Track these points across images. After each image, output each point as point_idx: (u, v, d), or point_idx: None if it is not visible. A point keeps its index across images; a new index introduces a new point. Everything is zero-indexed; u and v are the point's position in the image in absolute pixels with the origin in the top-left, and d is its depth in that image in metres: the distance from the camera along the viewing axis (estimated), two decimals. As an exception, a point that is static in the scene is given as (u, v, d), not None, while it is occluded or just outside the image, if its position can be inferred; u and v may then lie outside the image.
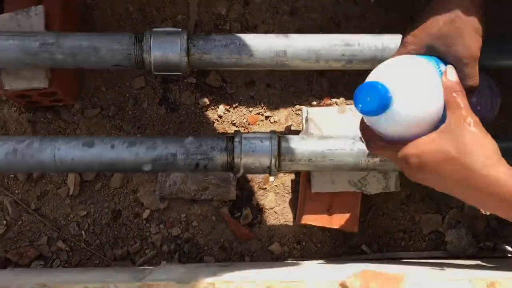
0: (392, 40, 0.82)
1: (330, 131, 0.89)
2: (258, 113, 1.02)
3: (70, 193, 0.99)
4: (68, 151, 0.78)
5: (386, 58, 0.75)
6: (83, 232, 0.99)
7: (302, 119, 0.94)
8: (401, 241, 0.99)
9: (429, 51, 0.66)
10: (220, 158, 0.80)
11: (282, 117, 1.02)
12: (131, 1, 1.04)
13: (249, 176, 1.00)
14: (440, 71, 0.64)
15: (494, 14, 0.95)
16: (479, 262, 0.86)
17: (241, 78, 1.03)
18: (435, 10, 0.66)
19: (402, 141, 0.63)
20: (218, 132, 1.02)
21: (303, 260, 0.97)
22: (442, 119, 0.62)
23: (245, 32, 0.98)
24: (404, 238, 0.99)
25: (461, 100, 0.60)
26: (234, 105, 1.02)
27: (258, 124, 1.02)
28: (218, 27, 1.04)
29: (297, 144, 0.81)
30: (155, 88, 1.02)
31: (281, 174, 1.00)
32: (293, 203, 1.00)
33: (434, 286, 0.58)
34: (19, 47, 0.80)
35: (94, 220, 0.99)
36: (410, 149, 0.61)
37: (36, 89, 0.88)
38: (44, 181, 0.99)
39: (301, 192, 0.95)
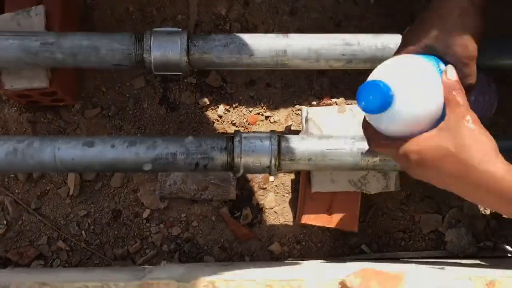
0: (392, 40, 0.82)
1: (330, 130, 0.90)
2: (258, 113, 1.02)
3: (70, 193, 0.99)
4: (68, 151, 0.78)
5: (386, 58, 0.77)
6: (83, 232, 0.99)
7: (302, 119, 0.94)
8: (401, 241, 0.99)
9: (429, 50, 0.67)
10: (220, 157, 0.80)
11: (282, 117, 1.02)
12: (131, 1, 1.04)
13: (249, 176, 1.01)
14: (440, 70, 0.65)
15: (494, 14, 0.96)
16: (479, 262, 0.86)
17: (241, 78, 1.03)
18: (435, 10, 0.67)
19: (403, 139, 0.64)
20: (218, 132, 1.02)
21: (303, 260, 0.97)
22: (442, 117, 0.63)
23: (245, 32, 0.98)
24: (404, 238, 1.00)
25: (461, 98, 0.62)
26: (234, 105, 1.02)
27: (258, 124, 1.02)
28: (218, 27, 1.04)
29: (297, 143, 0.81)
30: (155, 88, 1.02)
31: (281, 174, 1.01)
32: (293, 203, 1.00)
33: (434, 285, 0.58)
34: (19, 47, 0.80)
35: (94, 220, 0.99)
36: (410, 146, 0.63)
37: (37, 88, 0.88)
38: (44, 181, 1.00)
39: (301, 191, 0.95)
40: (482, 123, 0.61)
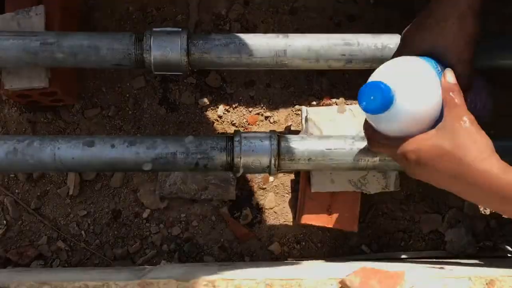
0: (392, 40, 0.82)
1: (329, 130, 0.90)
2: (258, 113, 1.02)
3: (70, 193, 0.99)
4: (68, 150, 0.78)
5: (386, 58, 0.78)
6: (83, 232, 0.99)
7: (301, 119, 0.94)
8: (400, 241, 0.99)
9: (427, 53, 0.69)
10: (220, 157, 0.80)
11: (281, 117, 1.03)
12: (131, 1, 1.04)
13: (249, 176, 1.01)
14: (438, 71, 0.66)
15: (495, 11, 0.96)
16: (478, 262, 0.86)
17: (241, 78, 1.03)
18: (433, 12, 0.69)
19: (401, 138, 0.66)
20: (218, 132, 1.02)
21: (302, 260, 0.97)
22: (440, 118, 0.65)
23: (245, 32, 0.98)
24: (403, 238, 1.00)
25: (458, 100, 0.63)
26: (233, 105, 1.02)
27: (258, 124, 1.02)
28: (218, 27, 1.04)
29: (296, 143, 0.81)
30: (155, 88, 1.02)
31: (281, 174, 1.01)
32: (293, 203, 1.00)
33: (433, 284, 0.58)
34: (19, 47, 0.80)
35: (94, 220, 0.99)
36: (408, 145, 0.65)
37: (37, 88, 0.88)
38: (44, 181, 1.00)
39: (301, 191, 0.95)
40: (478, 123, 0.62)
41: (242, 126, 1.02)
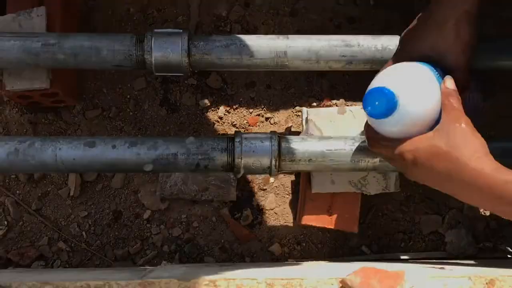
0: (392, 41, 0.82)
1: (330, 132, 0.90)
2: (258, 114, 1.03)
3: (71, 193, 0.99)
4: (69, 151, 0.78)
5: (386, 59, 0.79)
6: (83, 233, 0.99)
7: (302, 120, 0.94)
8: (401, 242, 1.00)
9: (424, 58, 0.71)
10: (221, 158, 0.80)
11: (282, 118, 1.03)
12: (132, 3, 1.04)
13: (249, 177, 1.01)
14: (438, 76, 0.69)
15: (493, 14, 0.96)
16: (478, 262, 0.86)
17: (242, 79, 1.03)
18: (431, 17, 0.72)
19: (400, 140, 0.68)
20: (219, 133, 1.02)
21: (303, 261, 0.97)
22: (438, 121, 0.67)
23: (245, 34, 0.98)
24: (404, 239, 1.00)
25: (456, 104, 0.66)
26: (234, 106, 1.03)
27: (258, 125, 1.03)
28: (218, 28, 1.04)
29: (297, 144, 0.81)
30: (156, 89, 1.03)
31: (281, 175, 1.01)
32: (293, 204, 1.00)
33: (434, 284, 0.59)
34: (21, 48, 0.80)
35: (95, 221, 0.99)
36: (406, 146, 0.67)
37: (38, 89, 0.89)
38: (45, 181, 1.00)
39: (301, 192, 0.95)
40: (474, 126, 0.65)
41: (243, 127, 1.02)
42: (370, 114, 0.68)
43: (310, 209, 0.93)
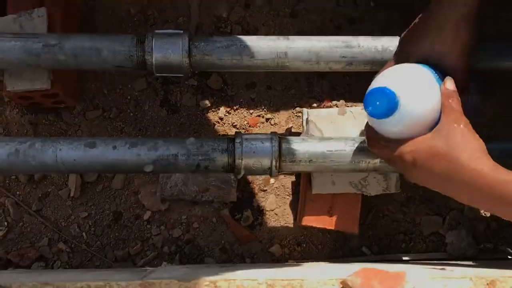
0: (392, 42, 0.82)
1: (330, 132, 0.90)
2: (259, 115, 1.03)
3: (71, 194, 0.99)
4: (70, 152, 0.78)
5: (386, 60, 0.79)
6: (84, 234, 0.99)
7: (302, 121, 0.94)
8: (401, 243, 1.00)
9: (424, 60, 0.71)
10: (221, 159, 0.80)
11: (282, 119, 1.03)
12: (132, 3, 1.04)
13: (250, 178, 1.01)
14: (437, 77, 0.69)
15: (493, 15, 0.96)
16: (479, 263, 0.86)
17: (242, 80, 1.03)
18: (430, 19, 0.72)
19: (400, 141, 0.69)
20: (219, 134, 1.02)
21: (303, 262, 0.97)
22: (438, 122, 0.67)
23: (246, 35, 0.98)
24: (404, 240, 1.00)
25: (455, 105, 0.66)
26: (234, 107, 1.03)
27: (259, 126, 1.03)
28: (219, 29, 1.04)
29: (297, 145, 0.81)
30: (156, 90, 1.03)
31: (282, 176, 1.01)
32: (294, 205, 1.00)
33: (434, 284, 0.58)
34: (21, 48, 0.80)
35: (95, 222, 0.99)
36: (405, 147, 0.67)
37: (38, 90, 0.89)
38: (45, 182, 1.00)
39: (302, 193, 0.95)
40: (474, 126, 0.65)
41: (243, 128, 1.02)
42: (371, 114, 0.68)
43: (311, 210, 0.93)
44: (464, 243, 0.97)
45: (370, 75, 0.75)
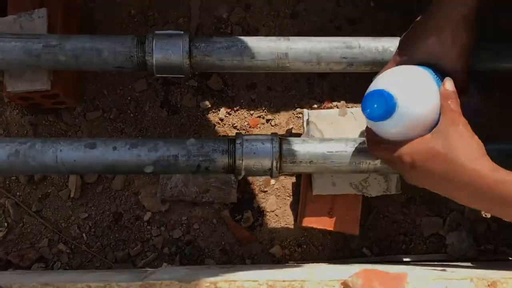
0: (393, 43, 0.82)
1: (331, 133, 0.90)
2: (259, 116, 1.03)
3: (71, 195, 0.99)
4: (70, 152, 0.78)
5: (387, 61, 0.79)
6: (84, 235, 0.99)
7: (303, 122, 0.94)
8: (402, 244, 0.99)
9: (423, 62, 0.72)
10: (222, 160, 0.80)
11: (283, 120, 1.03)
12: (133, 4, 1.04)
13: (250, 179, 1.01)
14: (436, 78, 0.69)
15: (491, 17, 0.96)
16: (479, 265, 0.86)
17: (242, 81, 1.03)
18: (430, 21, 0.72)
19: (399, 143, 0.69)
20: (219, 135, 1.02)
21: (303, 263, 0.97)
22: (437, 123, 0.67)
23: (246, 35, 0.98)
24: (404, 241, 0.99)
25: (454, 106, 0.66)
26: (235, 108, 1.03)
27: (259, 127, 1.02)
28: (219, 30, 1.04)
29: (298, 146, 0.81)
30: (157, 91, 1.03)
31: (282, 177, 1.01)
32: (294, 206, 1.00)
33: (436, 285, 0.58)
34: (22, 49, 0.80)
35: (95, 223, 0.99)
36: (404, 149, 0.67)
37: (39, 91, 0.89)
38: (45, 183, 1.00)
39: (302, 194, 0.95)
40: (473, 127, 0.65)
41: (244, 129, 1.02)
42: (368, 117, 0.68)
43: (311, 211, 0.93)
44: (465, 244, 0.97)
45: (371, 76, 0.75)
